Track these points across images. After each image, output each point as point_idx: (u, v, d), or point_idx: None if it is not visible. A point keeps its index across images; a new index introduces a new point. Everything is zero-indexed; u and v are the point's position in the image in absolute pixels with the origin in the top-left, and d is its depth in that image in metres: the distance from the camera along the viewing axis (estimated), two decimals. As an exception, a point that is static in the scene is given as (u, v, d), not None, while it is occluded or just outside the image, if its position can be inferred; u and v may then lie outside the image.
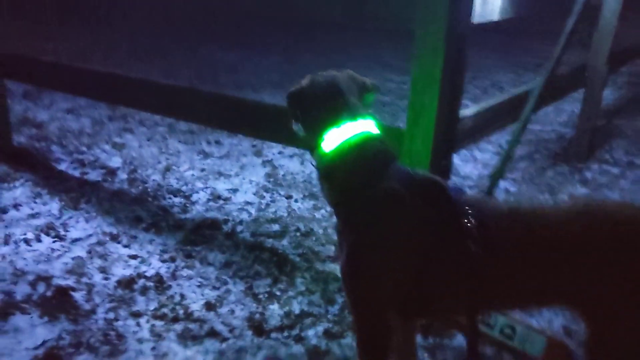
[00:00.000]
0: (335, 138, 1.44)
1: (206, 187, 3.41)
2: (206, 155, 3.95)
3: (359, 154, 1.43)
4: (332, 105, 1.47)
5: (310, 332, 2.17)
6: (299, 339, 2.14)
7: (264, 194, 3.35)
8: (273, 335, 2.16)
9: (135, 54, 7.30)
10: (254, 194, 3.34)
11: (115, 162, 3.76)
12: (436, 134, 1.94)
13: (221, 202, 3.23)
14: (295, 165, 3.79)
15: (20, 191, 3.25)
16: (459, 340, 2.13)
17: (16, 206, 3.07)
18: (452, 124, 2.00)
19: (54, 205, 3.10)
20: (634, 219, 1.40)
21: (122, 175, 3.54)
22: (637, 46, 5.20)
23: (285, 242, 2.81)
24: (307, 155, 3.75)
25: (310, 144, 1.52)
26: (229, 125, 2.76)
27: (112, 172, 3.59)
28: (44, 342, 2.08)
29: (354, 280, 1.48)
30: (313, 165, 1.55)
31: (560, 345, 2.00)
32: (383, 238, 1.42)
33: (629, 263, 1.35)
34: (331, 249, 2.74)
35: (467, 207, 1.38)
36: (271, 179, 3.56)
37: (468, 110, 2.43)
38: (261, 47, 8.05)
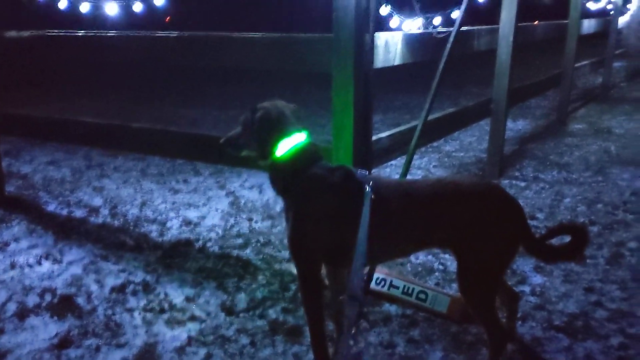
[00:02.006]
0: (287, 145, 2.09)
1: (178, 216, 4.00)
2: (176, 191, 4.55)
3: (301, 154, 2.09)
4: (284, 123, 2.12)
5: (271, 311, 2.76)
6: (262, 316, 2.72)
7: (229, 218, 3.96)
8: (242, 314, 2.74)
9: (101, 117, 7.88)
10: (220, 219, 3.94)
11: (97, 201, 4.32)
12: (355, 146, 2.62)
13: (192, 226, 3.82)
14: (254, 194, 4.42)
15: (17, 229, 3.78)
16: (386, 307, 2.76)
17: (16, 240, 3.60)
18: (367, 138, 2.69)
19: (49, 238, 3.64)
20: (471, 183, 2.10)
21: (105, 212, 4.10)
22: (534, 85, 6.11)
23: (248, 250, 3.42)
24: (265, 186, 4.39)
25: (262, 153, 2.13)
26: (195, 156, 3.41)
27: (95, 209, 4.15)
28: (57, 334, 2.61)
29: (296, 242, 2.11)
30: (264, 168, 2.18)
31: (460, 300, 2.64)
32: (313, 207, 2.07)
33: (472, 212, 2.02)
34: (287, 253, 3.35)
35: (367, 182, 2.05)
36: (234, 206, 4.18)
37: (384, 133, 3.14)
38: (219, 103, 8.77)
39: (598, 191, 4.34)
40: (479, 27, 4.31)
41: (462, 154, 5.59)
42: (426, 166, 5.16)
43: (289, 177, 2.09)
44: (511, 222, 2.06)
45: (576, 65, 7.19)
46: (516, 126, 6.87)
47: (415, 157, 5.40)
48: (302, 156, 2.10)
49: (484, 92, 9.00)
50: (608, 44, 8.53)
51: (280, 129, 2.11)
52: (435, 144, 5.98)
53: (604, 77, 8.73)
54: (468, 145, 5.98)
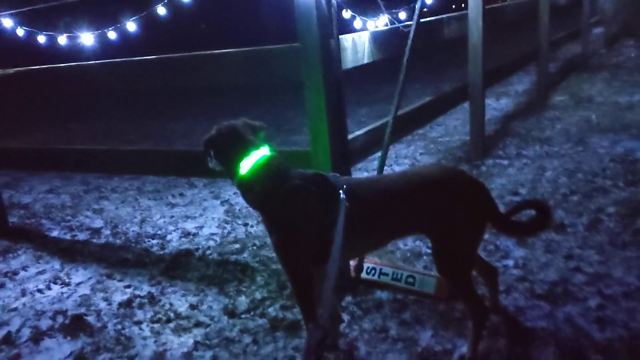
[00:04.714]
0: (248, 164, 2.19)
1: (177, 229, 4.16)
2: (173, 205, 4.71)
3: (267, 169, 2.19)
4: (239, 143, 2.21)
5: (270, 309, 2.92)
6: (262, 315, 2.88)
7: (225, 225, 4.12)
8: (243, 316, 2.90)
9: (94, 139, 8.04)
10: (217, 227, 4.10)
11: (98, 223, 4.48)
12: (332, 148, 2.77)
13: (191, 237, 3.98)
14: (248, 200, 4.57)
15: (24, 257, 3.94)
16: (378, 294, 2.91)
17: (24, 268, 3.76)
18: (343, 139, 2.84)
19: (55, 262, 3.80)
20: (435, 171, 2.26)
21: (106, 232, 4.27)
22: (511, 63, 6.25)
23: (245, 254, 3.58)
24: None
25: (229, 173, 2.24)
26: (188, 171, 3.56)
27: (97, 231, 4.31)
28: (71, 353, 2.77)
29: (283, 251, 2.25)
30: (234, 186, 2.31)
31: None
32: (295, 217, 2.20)
33: (440, 198, 2.18)
34: (281, 254, 3.51)
35: (341, 184, 2.20)
36: (229, 214, 4.34)
37: (360, 130, 3.29)
38: (208, 116, 8.92)
39: (578, 161, 4.49)
40: (447, 14, 4.45)
41: (447, 139, 5.74)
42: (413, 154, 5.31)
43: (260, 194, 2.18)
44: (477, 202, 2.22)
45: (552, 38, 7.33)
46: (499, 105, 7.01)
47: (401, 146, 5.58)
48: (268, 171, 2.17)
49: (465, 75, 9.13)
50: (583, 13, 8.66)
51: (235, 149, 2.18)
52: (421, 131, 6.13)
53: (582, 47, 8.85)
54: (453, 129, 6.13)
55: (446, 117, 6.54)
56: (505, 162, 4.72)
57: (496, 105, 6.99)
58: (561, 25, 9.11)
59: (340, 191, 2.15)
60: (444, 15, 4.33)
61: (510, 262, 3.06)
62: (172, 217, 4.44)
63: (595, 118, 5.73)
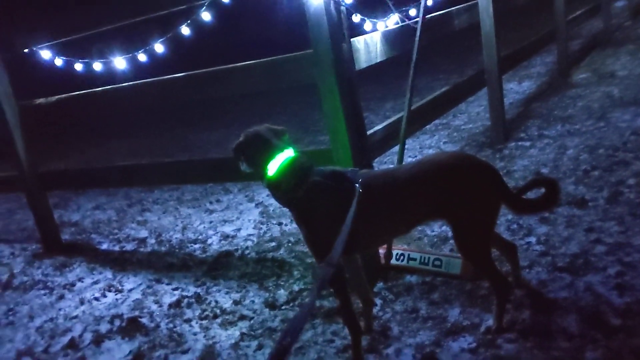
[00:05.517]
0: (274, 166, 2.41)
1: (217, 233, 4.41)
2: (211, 211, 4.97)
3: (291, 169, 2.40)
4: (265, 147, 2.43)
5: (308, 299, 3.12)
6: (300, 305, 3.09)
7: (261, 226, 4.35)
8: (283, 307, 3.12)
9: (134, 155, 8.41)
10: (254, 228, 4.34)
11: (143, 234, 4.78)
12: (351, 144, 2.95)
13: (230, 239, 4.23)
14: (281, 201, 4.80)
15: (79, 270, 4.25)
16: (407, 278, 3.09)
17: (80, 279, 4.06)
18: (361, 135, 3.02)
19: (108, 272, 4.09)
20: (447, 158, 2.42)
21: (151, 241, 4.55)
22: (530, 45, 6.32)
23: (281, 251, 3.80)
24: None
25: (258, 174, 2.48)
26: (223, 178, 3.81)
27: (142, 241, 4.60)
28: (130, 351, 3.03)
29: (312, 244, 2.46)
30: (264, 186, 2.53)
31: (470, 261, 2.95)
32: (317, 210, 2.41)
33: (454, 184, 2.34)
34: (315, 248, 3.72)
35: (358, 179, 2.39)
36: (264, 215, 4.57)
37: (379, 125, 3.46)
38: (239, 124, 9.19)
39: (599, 137, 4.56)
40: (456, 7, 4.57)
41: (470, 126, 5.85)
42: (437, 144, 5.45)
43: (286, 192, 2.39)
44: (488, 185, 2.37)
45: (572, 16, 7.34)
46: (522, 88, 7.07)
47: (425, 136, 5.73)
48: (292, 171, 2.38)
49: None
50: (602, -13, 8.61)
51: (262, 153, 2.41)
52: (444, 120, 6.26)
53: (604, 21, 8.80)
54: (476, 116, 6.23)
55: (469, 105, 6.65)
56: (527, 143, 4.82)
57: (518, 88, 7.05)
58: (583, 2, 9.06)
59: (356, 184, 2.34)
60: (453, 8, 4.45)
61: (533, 239, 3.19)
62: (211, 222, 4.70)
63: (617, 92, 5.75)
